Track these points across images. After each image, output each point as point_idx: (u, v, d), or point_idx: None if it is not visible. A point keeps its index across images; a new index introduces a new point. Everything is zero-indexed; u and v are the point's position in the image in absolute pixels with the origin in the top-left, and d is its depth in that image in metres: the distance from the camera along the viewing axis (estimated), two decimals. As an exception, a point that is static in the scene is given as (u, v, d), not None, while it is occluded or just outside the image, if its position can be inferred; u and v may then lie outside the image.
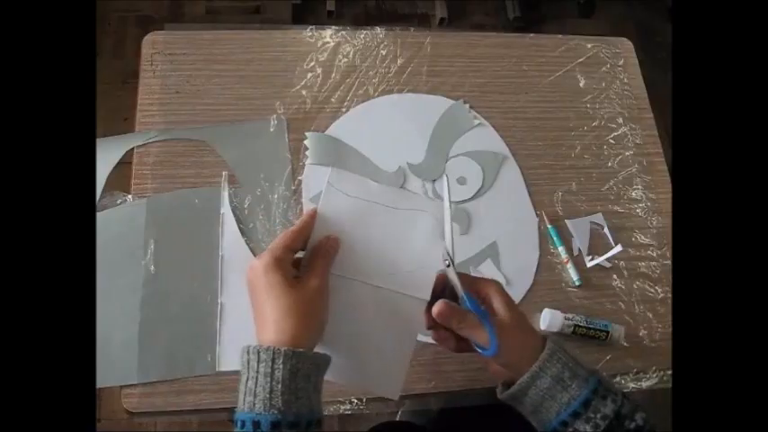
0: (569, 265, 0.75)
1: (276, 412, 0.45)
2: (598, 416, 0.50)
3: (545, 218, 0.78)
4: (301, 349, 0.48)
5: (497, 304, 0.54)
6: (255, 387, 0.47)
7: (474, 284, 0.55)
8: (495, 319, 0.53)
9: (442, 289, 0.56)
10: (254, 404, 0.46)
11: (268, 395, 0.46)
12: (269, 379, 0.46)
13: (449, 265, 0.54)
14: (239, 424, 0.46)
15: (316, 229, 0.54)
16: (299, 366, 0.47)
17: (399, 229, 0.55)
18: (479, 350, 0.53)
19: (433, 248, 0.55)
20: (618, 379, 0.72)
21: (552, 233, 0.77)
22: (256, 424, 0.45)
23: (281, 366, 0.46)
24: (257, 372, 0.47)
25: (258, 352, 0.47)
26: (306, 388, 0.48)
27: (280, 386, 0.46)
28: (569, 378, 0.51)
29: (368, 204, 0.55)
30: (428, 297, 0.54)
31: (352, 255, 0.54)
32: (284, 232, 0.53)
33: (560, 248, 0.76)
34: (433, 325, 0.54)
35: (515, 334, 0.53)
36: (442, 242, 0.55)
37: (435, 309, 0.52)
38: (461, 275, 0.54)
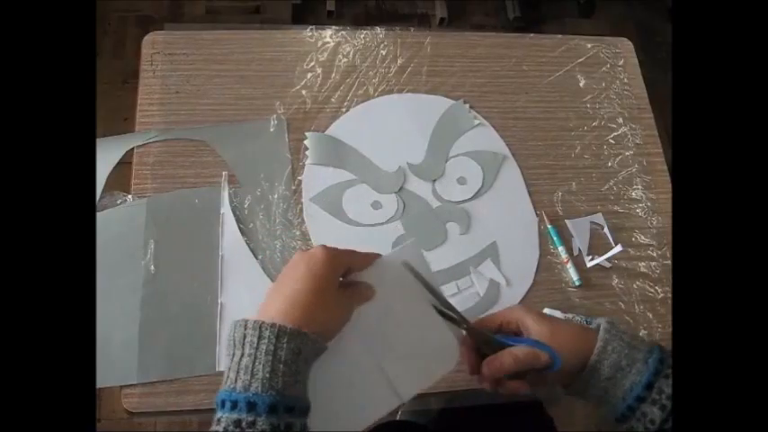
0: (569, 265, 0.75)
1: (275, 394, 0.42)
2: (663, 396, 0.50)
3: (545, 218, 0.78)
4: (308, 333, 0.45)
5: (530, 324, 0.54)
6: (254, 366, 0.43)
7: (499, 322, 0.56)
8: (537, 336, 0.53)
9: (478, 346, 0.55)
10: (251, 384, 0.42)
11: (268, 375, 0.42)
12: (270, 358, 0.43)
13: (466, 328, 0.53)
14: (227, 405, 0.42)
15: (363, 272, 0.52)
16: (302, 348, 0.44)
17: (421, 320, 0.54)
18: (546, 371, 0.53)
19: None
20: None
21: (552, 233, 0.77)
22: (252, 405, 0.41)
23: (284, 345, 0.43)
24: (256, 348, 0.43)
25: (260, 327, 0.44)
26: (304, 372, 0.45)
27: (282, 366, 0.43)
28: (627, 365, 0.51)
29: (412, 288, 0.52)
30: (454, 362, 0.54)
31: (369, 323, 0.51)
32: (352, 250, 0.51)
33: (560, 248, 0.76)
34: (472, 371, 0.55)
35: (559, 341, 0.53)
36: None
37: (505, 365, 0.52)
38: (485, 323, 0.56)
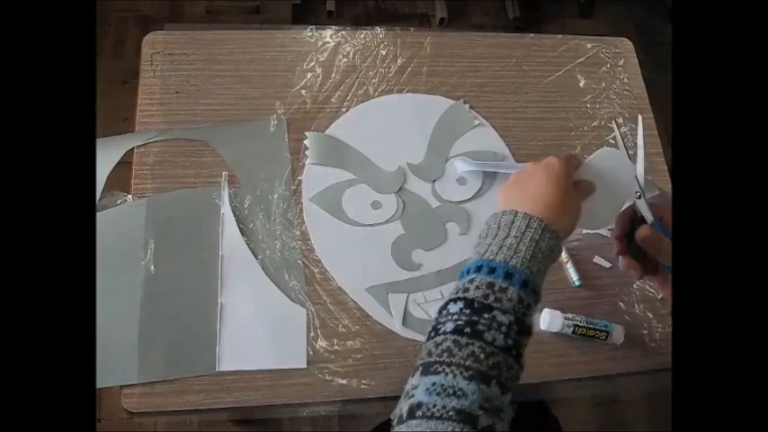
0: (569, 266, 0.75)
1: (529, 274, 0.48)
2: None
3: None
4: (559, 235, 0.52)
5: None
6: (518, 245, 0.49)
7: (659, 212, 0.61)
8: None
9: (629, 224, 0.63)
10: (511, 258, 0.48)
11: (529, 257, 0.49)
12: (534, 245, 0.49)
13: (639, 197, 0.62)
14: (485, 269, 0.48)
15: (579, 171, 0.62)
16: (555, 249, 0.52)
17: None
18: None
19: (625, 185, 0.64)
20: (618, 379, 0.73)
21: None
22: (509, 275, 0.47)
23: (546, 239, 0.50)
24: (522, 233, 0.50)
25: (530, 218, 0.51)
26: (547, 270, 0.51)
27: (540, 254, 0.49)
28: None
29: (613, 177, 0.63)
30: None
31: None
32: (572, 154, 0.60)
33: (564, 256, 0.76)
34: (621, 251, 0.62)
35: None
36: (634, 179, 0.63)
37: (640, 233, 0.59)
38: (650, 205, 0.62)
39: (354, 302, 0.70)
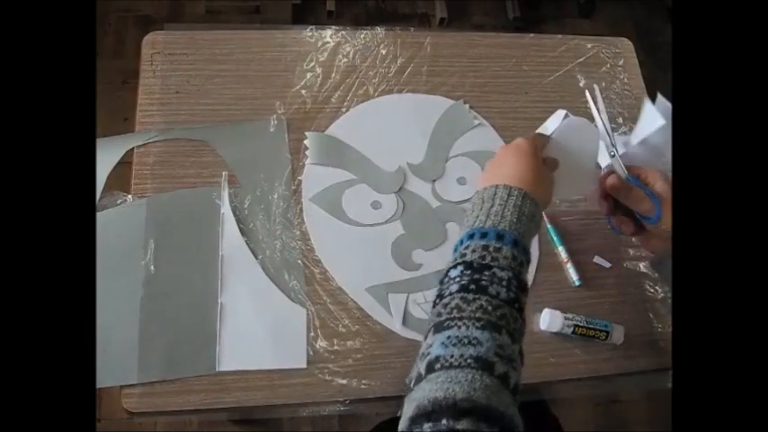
0: (569, 266, 0.75)
1: (518, 234, 0.51)
2: None
3: (545, 217, 0.78)
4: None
5: (658, 182, 0.62)
6: (503, 211, 0.53)
7: (636, 170, 0.64)
8: (656, 193, 0.62)
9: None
10: (500, 223, 0.52)
11: (515, 220, 0.52)
12: (517, 210, 0.53)
13: (613, 155, 0.64)
14: (477, 235, 0.51)
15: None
16: (535, 213, 0.55)
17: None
18: (645, 221, 0.63)
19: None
20: (618, 379, 0.73)
21: (552, 233, 0.77)
22: (500, 236, 0.51)
23: (528, 205, 0.54)
24: (506, 201, 0.53)
25: (510, 188, 0.54)
26: (533, 235, 0.55)
27: (525, 218, 0.53)
28: None
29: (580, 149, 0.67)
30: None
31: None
32: (538, 134, 0.65)
33: (560, 248, 0.76)
34: (608, 211, 0.66)
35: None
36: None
37: (608, 181, 0.63)
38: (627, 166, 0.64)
39: (354, 302, 0.70)
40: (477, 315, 0.45)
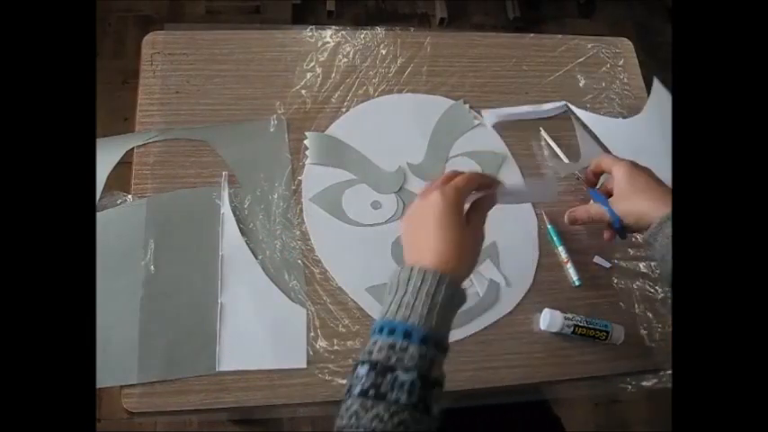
0: (569, 266, 0.75)
1: (428, 329, 0.49)
2: None
3: (545, 217, 0.78)
4: (461, 284, 0.52)
5: (618, 177, 0.65)
6: (414, 302, 0.50)
7: (599, 166, 0.70)
8: (616, 196, 0.66)
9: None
10: (409, 317, 0.49)
11: (426, 312, 0.49)
12: (430, 299, 0.50)
13: (578, 179, 0.75)
14: (385, 330, 0.49)
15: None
16: (455, 296, 0.51)
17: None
18: (614, 228, 0.67)
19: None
20: (618, 379, 0.73)
21: (552, 233, 0.77)
22: (408, 334, 0.48)
23: (443, 291, 0.50)
24: (418, 289, 0.50)
25: (424, 272, 0.51)
26: (452, 318, 0.52)
27: (438, 308, 0.50)
28: None
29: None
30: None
31: None
32: (470, 175, 0.57)
33: (560, 248, 0.76)
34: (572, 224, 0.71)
35: (636, 200, 0.63)
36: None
37: (566, 218, 0.70)
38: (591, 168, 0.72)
39: (354, 302, 0.70)
40: (372, 425, 0.45)
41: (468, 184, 0.56)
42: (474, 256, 0.56)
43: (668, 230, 0.58)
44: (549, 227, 0.77)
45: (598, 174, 0.72)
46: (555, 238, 0.77)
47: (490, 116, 0.84)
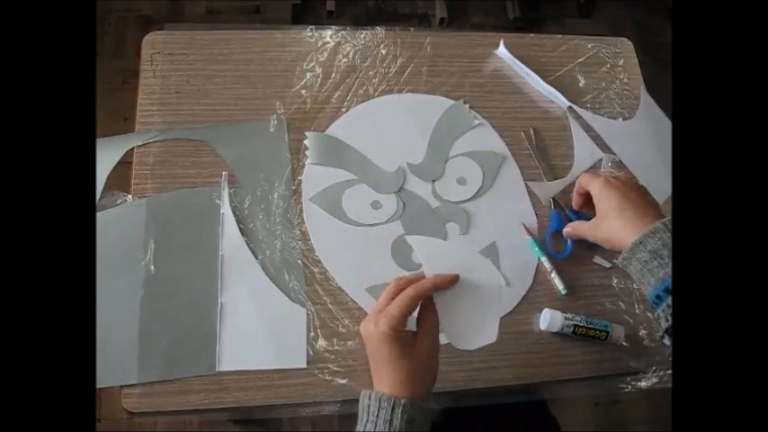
0: (553, 275, 0.74)
1: None
2: None
3: (525, 229, 0.76)
4: (418, 401, 0.52)
5: (594, 198, 0.66)
6: (374, 430, 0.51)
7: (581, 187, 0.70)
8: (598, 214, 0.65)
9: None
10: None
11: None
12: (388, 426, 0.51)
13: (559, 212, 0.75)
14: None
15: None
16: (415, 417, 0.52)
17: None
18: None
19: None
20: (618, 379, 0.73)
21: (532, 244, 0.76)
22: None
23: (399, 416, 0.51)
24: (377, 417, 0.51)
25: (380, 399, 0.52)
26: None
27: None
28: (668, 256, 0.54)
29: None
30: None
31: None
32: (402, 296, 0.54)
33: (543, 259, 0.75)
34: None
35: (606, 226, 0.64)
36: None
37: (564, 232, 0.73)
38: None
39: (354, 302, 0.70)
40: None
41: (402, 312, 0.53)
42: (429, 373, 0.56)
43: (641, 255, 0.57)
44: (528, 239, 0.76)
45: (583, 194, 0.71)
46: (536, 249, 0.76)
47: (502, 50, 0.88)
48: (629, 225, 0.60)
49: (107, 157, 0.73)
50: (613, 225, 0.62)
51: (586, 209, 0.72)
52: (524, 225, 0.77)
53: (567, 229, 0.73)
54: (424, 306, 0.56)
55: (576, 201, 0.73)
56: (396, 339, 0.53)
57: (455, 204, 0.77)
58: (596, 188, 0.66)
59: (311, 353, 0.67)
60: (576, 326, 0.70)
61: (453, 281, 0.57)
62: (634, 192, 0.64)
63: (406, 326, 0.54)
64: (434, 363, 0.56)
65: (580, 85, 0.89)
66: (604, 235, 0.64)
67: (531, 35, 0.92)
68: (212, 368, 0.65)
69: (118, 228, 0.70)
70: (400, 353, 0.53)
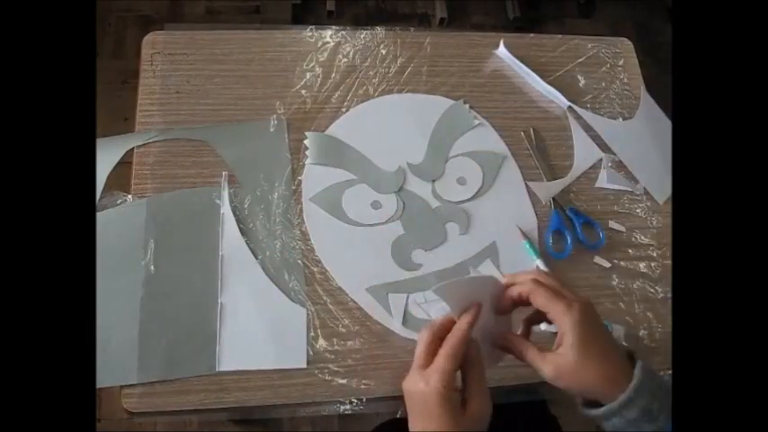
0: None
1: None
2: None
3: (521, 232, 0.76)
4: None
5: (563, 333, 0.50)
6: None
7: (520, 298, 0.54)
8: (562, 354, 0.50)
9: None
10: None
11: None
12: None
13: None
14: None
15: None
16: None
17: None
18: None
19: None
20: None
21: (528, 247, 0.75)
22: None
23: None
24: None
25: None
26: None
27: None
28: (657, 410, 0.48)
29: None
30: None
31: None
32: (449, 348, 0.49)
33: (538, 261, 0.75)
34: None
35: (584, 375, 0.49)
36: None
37: (498, 342, 0.54)
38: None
39: (354, 302, 0.70)
40: None
41: (454, 366, 0.49)
42: (483, 417, 0.50)
43: (629, 414, 0.48)
44: (523, 242, 0.76)
45: (542, 313, 0.54)
46: (532, 253, 0.75)
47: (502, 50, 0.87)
48: (611, 383, 0.49)
49: (107, 157, 0.73)
50: (591, 378, 0.49)
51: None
52: (520, 228, 0.77)
53: (504, 343, 0.55)
54: (467, 356, 0.51)
55: (502, 305, 0.55)
56: (449, 399, 0.48)
57: (455, 204, 0.77)
58: (568, 324, 0.50)
59: (311, 353, 0.67)
60: (576, 326, 0.70)
61: (480, 311, 0.52)
62: (609, 333, 0.55)
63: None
64: (485, 422, 0.51)
65: (580, 85, 0.89)
66: (581, 385, 0.50)
67: (531, 35, 0.92)
68: (212, 368, 0.65)
69: (118, 228, 0.70)
70: (452, 414, 0.48)
